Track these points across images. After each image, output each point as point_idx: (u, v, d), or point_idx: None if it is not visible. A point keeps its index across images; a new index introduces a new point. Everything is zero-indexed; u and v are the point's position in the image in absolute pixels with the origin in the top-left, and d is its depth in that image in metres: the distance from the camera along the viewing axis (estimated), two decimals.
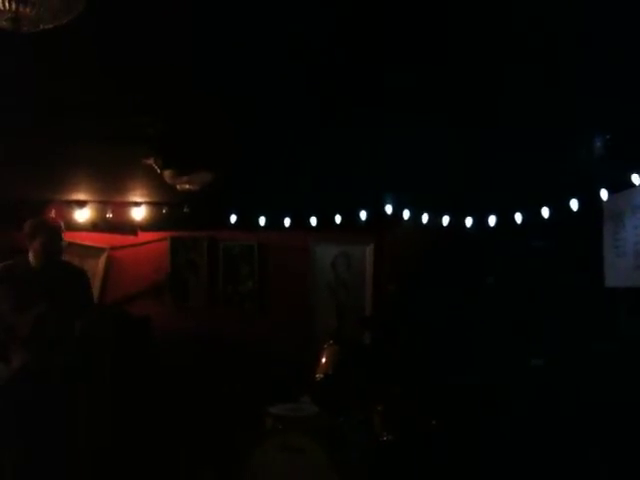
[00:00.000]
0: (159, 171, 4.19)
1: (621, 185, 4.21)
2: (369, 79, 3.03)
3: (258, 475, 3.67)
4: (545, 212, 4.71)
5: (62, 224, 3.86)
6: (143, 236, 5.61)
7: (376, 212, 5.18)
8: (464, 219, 5.15)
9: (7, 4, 1.90)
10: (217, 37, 2.61)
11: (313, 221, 5.34)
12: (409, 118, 3.50)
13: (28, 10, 1.91)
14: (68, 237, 4.17)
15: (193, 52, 2.78)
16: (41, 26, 2.01)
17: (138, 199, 5.30)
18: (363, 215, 5.22)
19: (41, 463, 3.51)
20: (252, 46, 2.69)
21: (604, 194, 4.31)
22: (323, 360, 4.39)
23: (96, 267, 5.37)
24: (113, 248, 5.53)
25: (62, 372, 3.60)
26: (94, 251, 5.43)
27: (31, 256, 3.69)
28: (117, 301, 4.17)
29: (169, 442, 5.02)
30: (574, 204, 4.48)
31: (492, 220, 5.08)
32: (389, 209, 5.10)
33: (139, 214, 5.31)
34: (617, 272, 4.37)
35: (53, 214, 5.06)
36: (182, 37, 2.63)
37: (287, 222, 5.34)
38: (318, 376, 4.31)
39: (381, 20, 2.48)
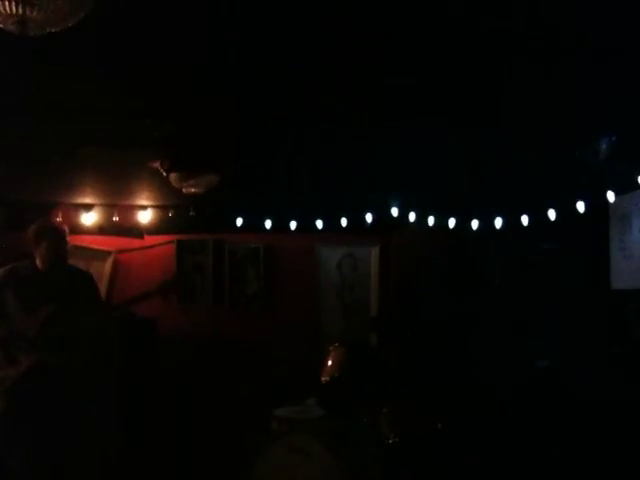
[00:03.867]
0: (165, 174, 4.20)
1: (628, 186, 4.20)
2: (371, 80, 3.04)
3: (264, 477, 3.67)
4: (551, 214, 4.70)
5: (66, 228, 3.89)
6: (149, 239, 5.61)
7: (382, 214, 5.17)
8: (470, 221, 5.14)
9: (14, 8, 1.91)
10: (220, 39, 2.62)
11: (319, 223, 5.33)
12: (413, 120, 3.50)
13: (35, 13, 1.92)
14: (74, 240, 4.19)
15: (197, 54, 2.79)
16: (47, 29, 2.02)
17: (144, 202, 5.30)
18: (369, 217, 5.21)
19: (51, 464, 3.53)
20: (255, 48, 2.69)
21: (611, 196, 4.30)
22: (329, 362, 4.38)
23: (102, 270, 5.38)
24: (119, 251, 5.53)
25: (70, 373, 3.62)
26: (100, 254, 5.44)
27: (37, 260, 3.72)
28: (124, 302, 4.19)
29: (175, 444, 5.03)
30: (581, 206, 4.46)
31: (498, 222, 5.07)
32: (395, 211, 5.09)
33: (145, 217, 5.32)
34: (624, 274, 4.36)
35: (60, 217, 5.08)
36: (187, 39, 2.64)
37: (293, 224, 5.34)
38: (324, 378, 4.30)
39: (381, 22, 2.48)
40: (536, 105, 3.32)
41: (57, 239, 3.75)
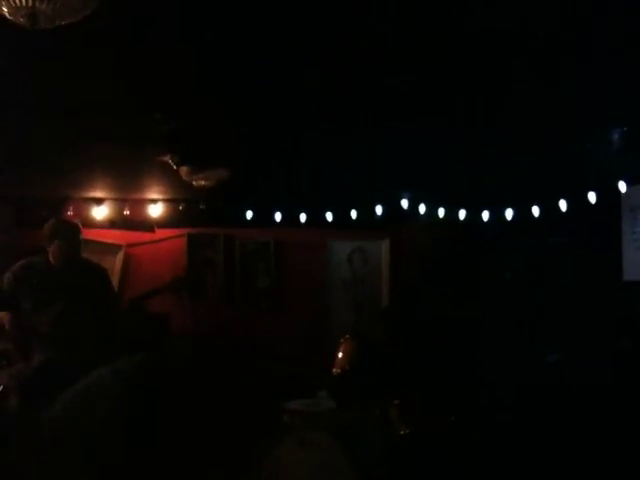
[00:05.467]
0: (175, 168, 4.21)
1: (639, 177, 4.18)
2: (379, 77, 3.04)
3: (275, 471, 3.68)
4: (563, 205, 4.67)
5: (80, 224, 3.91)
6: (160, 233, 5.63)
7: (392, 207, 5.16)
8: (481, 213, 5.11)
9: (24, 0, 1.92)
10: (228, 37, 2.63)
11: (329, 217, 5.33)
12: (424, 114, 3.50)
13: (45, 6, 1.93)
14: (85, 234, 4.21)
15: (207, 51, 2.80)
16: (57, 22, 2.02)
17: (155, 196, 5.33)
18: (379, 210, 5.20)
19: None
20: (264, 44, 2.70)
21: (622, 186, 4.27)
22: (340, 355, 4.38)
23: (113, 264, 5.40)
24: (130, 245, 5.55)
25: (80, 370, 3.64)
26: (111, 248, 5.46)
27: (50, 256, 3.74)
28: (136, 297, 4.21)
29: (185, 439, 5.04)
30: (592, 197, 4.43)
31: (509, 214, 5.04)
32: (405, 204, 5.08)
33: (156, 211, 5.34)
34: (636, 265, 4.33)
35: (71, 212, 5.10)
36: (196, 36, 2.65)
37: (303, 218, 5.34)
38: (335, 371, 4.31)
39: (381, 22, 2.48)
40: (545, 99, 3.31)
41: (70, 238, 3.79)
